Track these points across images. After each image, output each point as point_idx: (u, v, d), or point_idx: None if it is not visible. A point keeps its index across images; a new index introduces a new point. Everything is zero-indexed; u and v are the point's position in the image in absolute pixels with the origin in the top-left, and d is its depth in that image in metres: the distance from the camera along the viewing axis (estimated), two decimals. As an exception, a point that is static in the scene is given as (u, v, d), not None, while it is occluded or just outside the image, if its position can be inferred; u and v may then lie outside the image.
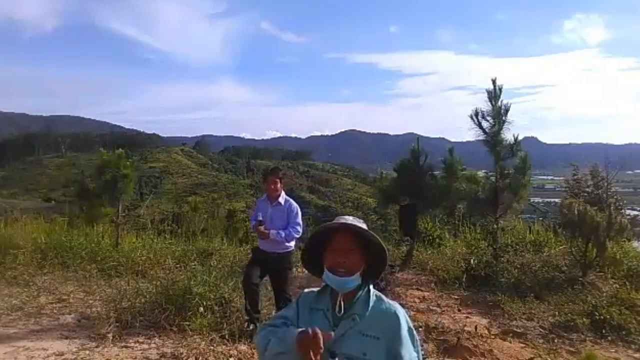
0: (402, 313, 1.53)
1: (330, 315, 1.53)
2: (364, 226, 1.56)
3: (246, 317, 4.25)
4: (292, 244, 4.40)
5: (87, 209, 8.68)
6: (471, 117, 6.77)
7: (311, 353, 1.33)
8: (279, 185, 4.35)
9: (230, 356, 3.64)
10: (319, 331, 1.35)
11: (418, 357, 1.50)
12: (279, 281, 4.36)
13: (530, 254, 6.47)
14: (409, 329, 1.51)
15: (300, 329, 1.41)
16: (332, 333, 1.39)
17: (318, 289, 1.64)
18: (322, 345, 1.34)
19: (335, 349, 1.44)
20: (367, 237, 1.54)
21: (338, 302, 1.52)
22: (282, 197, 4.38)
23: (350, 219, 1.58)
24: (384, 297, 1.58)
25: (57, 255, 6.10)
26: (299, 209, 4.42)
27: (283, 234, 4.24)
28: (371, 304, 1.52)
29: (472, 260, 6.29)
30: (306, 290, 1.67)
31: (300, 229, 4.36)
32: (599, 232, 5.50)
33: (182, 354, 3.62)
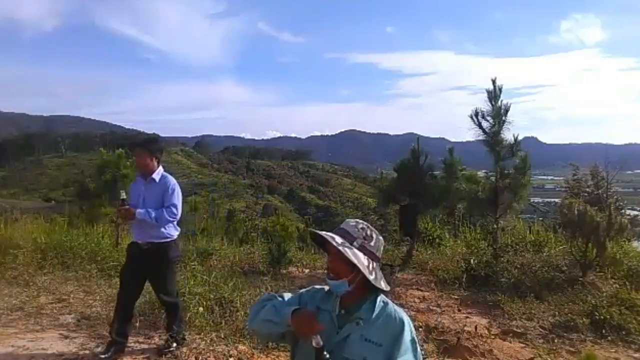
0: (407, 322, 1.54)
1: (335, 317, 1.55)
2: (362, 233, 1.55)
3: (108, 338, 3.56)
4: (173, 231, 3.63)
5: (87, 209, 8.67)
6: (471, 117, 6.78)
7: (304, 331, 1.43)
8: (148, 160, 3.56)
9: (230, 356, 3.64)
10: (315, 315, 1.46)
11: None
12: (159, 281, 3.63)
13: (530, 254, 6.47)
14: (412, 340, 1.52)
15: (297, 308, 1.51)
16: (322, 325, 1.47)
17: (328, 288, 1.66)
18: (315, 328, 1.42)
19: (337, 351, 1.47)
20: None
21: (336, 303, 1.57)
22: (158, 174, 3.61)
23: (348, 225, 1.58)
24: (391, 303, 1.59)
25: (57, 255, 6.09)
26: (176, 187, 3.65)
27: (153, 214, 3.45)
28: (377, 310, 1.53)
29: (472, 260, 6.29)
30: (317, 286, 1.70)
31: (176, 210, 3.56)
32: (599, 232, 5.50)
33: (182, 353, 3.62)
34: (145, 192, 3.59)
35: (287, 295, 1.66)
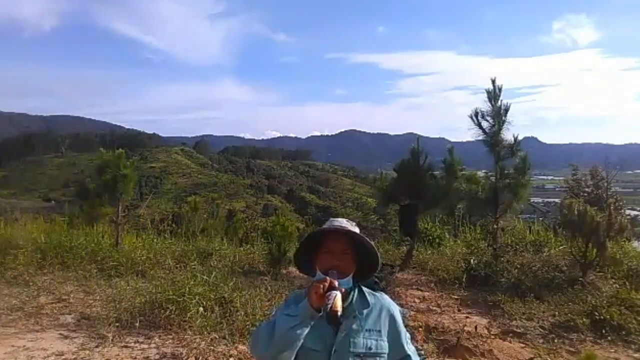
0: (390, 300, 1.61)
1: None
2: (357, 229, 1.61)
3: None
4: None
5: (87, 209, 8.68)
6: (471, 117, 6.79)
7: (322, 289, 1.40)
8: None
9: (230, 356, 3.64)
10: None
11: None
12: None
13: (530, 254, 6.47)
14: (399, 312, 1.60)
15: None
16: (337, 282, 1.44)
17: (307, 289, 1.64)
18: (321, 287, 1.40)
19: (342, 349, 1.48)
20: (359, 241, 1.57)
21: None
22: None
23: (344, 222, 1.62)
24: (372, 291, 1.63)
25: (57, 255, 6.09)
26: None
27: None
28: (370, 300, 1.57)
29: (472, 260, 6.29)
30: (297, 290, 1.71)
31: None
32: (599, 232, 5.50)
33: (182, 354, 3.62)
34: None
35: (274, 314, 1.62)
